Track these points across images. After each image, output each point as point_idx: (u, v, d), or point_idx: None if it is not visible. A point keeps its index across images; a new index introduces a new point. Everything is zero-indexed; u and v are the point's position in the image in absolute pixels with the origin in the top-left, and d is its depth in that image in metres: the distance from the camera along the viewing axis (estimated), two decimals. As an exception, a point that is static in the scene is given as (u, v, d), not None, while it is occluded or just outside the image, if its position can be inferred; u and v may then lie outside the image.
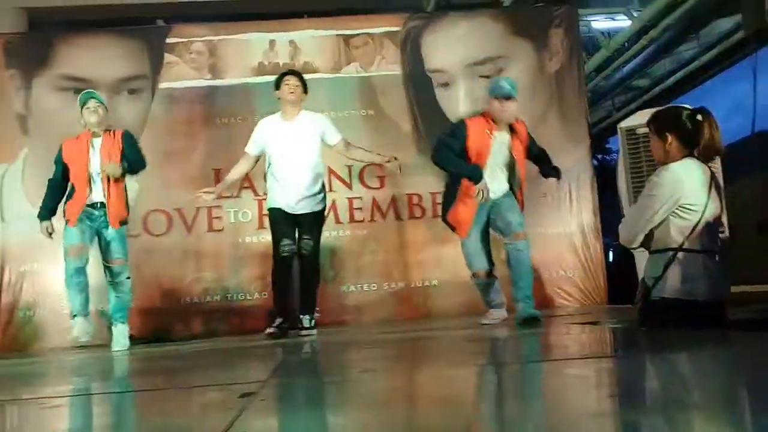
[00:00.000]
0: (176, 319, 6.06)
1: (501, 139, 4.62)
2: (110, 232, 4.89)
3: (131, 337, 5.60)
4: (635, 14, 8.99)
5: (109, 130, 5.02)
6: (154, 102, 6.39)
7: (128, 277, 5.01)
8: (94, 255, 4.96)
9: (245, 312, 6.08)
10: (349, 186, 6.40)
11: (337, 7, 7.95)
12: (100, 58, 6.41)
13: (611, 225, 6.18)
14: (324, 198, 5.10)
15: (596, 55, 9.61)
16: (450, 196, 4.69)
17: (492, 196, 4.53)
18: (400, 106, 6.53)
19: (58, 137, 6.05)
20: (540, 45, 6.60)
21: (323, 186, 5.11)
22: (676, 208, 3.11)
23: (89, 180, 4.89)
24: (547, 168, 4.74)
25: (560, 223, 6.35)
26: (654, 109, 3.55)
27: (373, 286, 6.28)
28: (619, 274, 6.46)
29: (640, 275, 4.53)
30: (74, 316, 4.82)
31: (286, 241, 4.87)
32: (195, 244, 6.23)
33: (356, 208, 6.40)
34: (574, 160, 6.38)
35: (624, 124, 4.31)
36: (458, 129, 4.63)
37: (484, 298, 4.73)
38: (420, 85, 6.55)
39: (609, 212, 6.26)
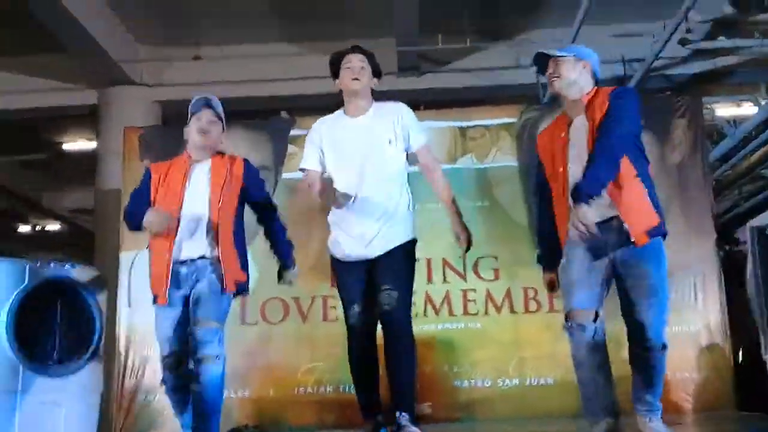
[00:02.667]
0: (289, 408, 6.07)
1: (578, 126, 3.33)
2: (203, 287, 3.52)
3: (245, 427, 5.70)
4: (762, 102, 8.76)
5: (222, 154, 3.80)
6: (276, 192, 6.64)
7: (218, 357, 3.41)
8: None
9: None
10: (464, 277, 6.37)
11: (453, 98, 8.16)
12: (227, 149, 6.73)
13: (740, 323, 5.92)
14: (412, 223, 3.65)
15: (721, 143, 9.36)
16: None
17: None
18: (515, 198, 6.50)
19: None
20: (661, 136, 6.46)
21: (409, 204, 3.68)
22: None
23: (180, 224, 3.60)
24: None
25: (684, 321, 6.07)
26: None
27: (487, 383, 6.17)
28: (751, 379, 6.10)
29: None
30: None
31: (354, 309, 3.54)
32: (310, 334, 6.31)
33: (470, 300, 6.34)
34: (699, 255, 6.16)
35: (755, 222, 4.13)
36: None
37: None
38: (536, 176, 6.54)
39: (738, 309, 5.98)
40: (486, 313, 6.32)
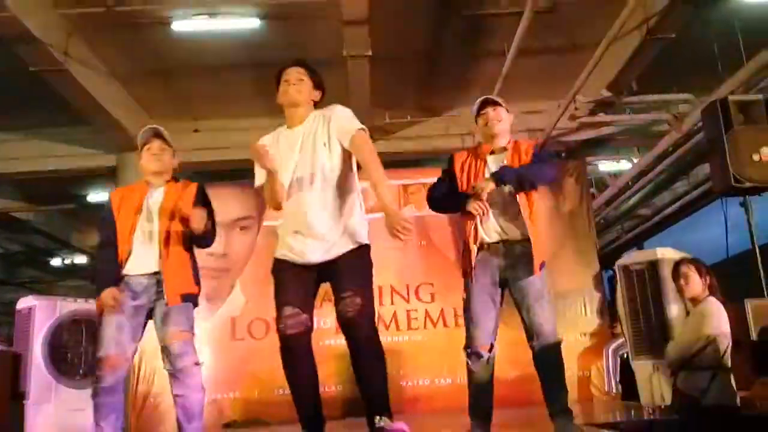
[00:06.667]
0: (270, 406, 6.10)
1: (497, 161, 3.02)
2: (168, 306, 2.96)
3: (234, 422, 5.72)
4: (635, 160, 9.14)
5: (175, 180, 3.19)
6: (259, 236, 6.76)
7: (197, 363, 2.94)
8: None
9: (324, 402, 6.15)
10: (407, 300, 6.56)
11: (398, 160, 8.36)
12: (219, 203, 6.81)
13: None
14: (364, 227, 2.75)
15: (605, 192, 9.72)
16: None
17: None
18: (447, 239, 6.74)
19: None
20: (555, 190, 6.79)
21: (360, 208, 2.79)
22: None
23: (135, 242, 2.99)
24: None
25: (576, 330, 6.32)
26: (644, 251, 3.64)
27: (426, 381, 6.31)
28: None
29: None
30: None
31: (287, 310, 2.62)
32: (287, 347, 6.39)
33: (413, 318, 6.54)
34: (586, 281, 6.47)
35: (620, 261, 4.35)
36: (445, 165, 3.22)
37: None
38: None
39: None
40: (425, 327, 6.52)
